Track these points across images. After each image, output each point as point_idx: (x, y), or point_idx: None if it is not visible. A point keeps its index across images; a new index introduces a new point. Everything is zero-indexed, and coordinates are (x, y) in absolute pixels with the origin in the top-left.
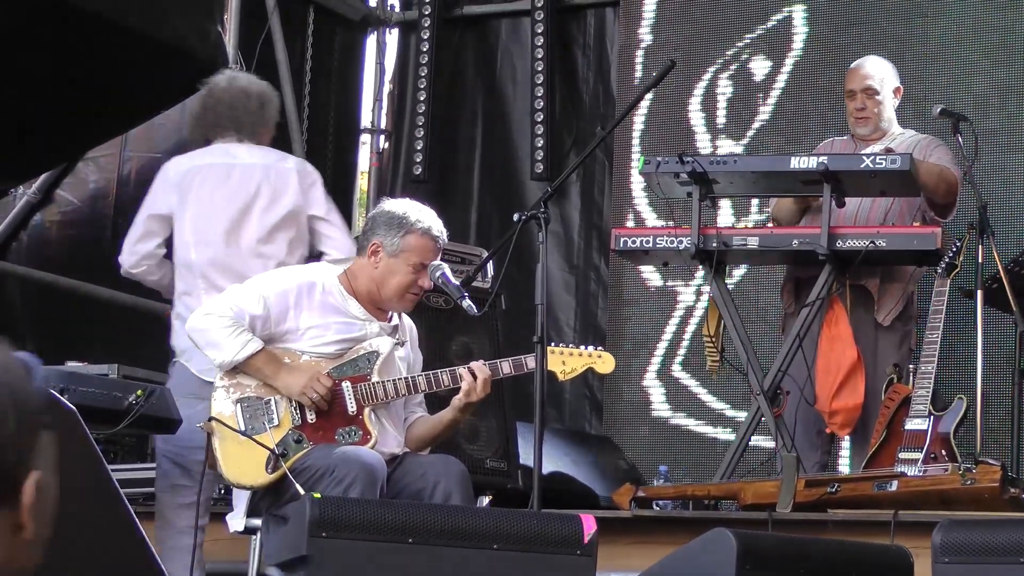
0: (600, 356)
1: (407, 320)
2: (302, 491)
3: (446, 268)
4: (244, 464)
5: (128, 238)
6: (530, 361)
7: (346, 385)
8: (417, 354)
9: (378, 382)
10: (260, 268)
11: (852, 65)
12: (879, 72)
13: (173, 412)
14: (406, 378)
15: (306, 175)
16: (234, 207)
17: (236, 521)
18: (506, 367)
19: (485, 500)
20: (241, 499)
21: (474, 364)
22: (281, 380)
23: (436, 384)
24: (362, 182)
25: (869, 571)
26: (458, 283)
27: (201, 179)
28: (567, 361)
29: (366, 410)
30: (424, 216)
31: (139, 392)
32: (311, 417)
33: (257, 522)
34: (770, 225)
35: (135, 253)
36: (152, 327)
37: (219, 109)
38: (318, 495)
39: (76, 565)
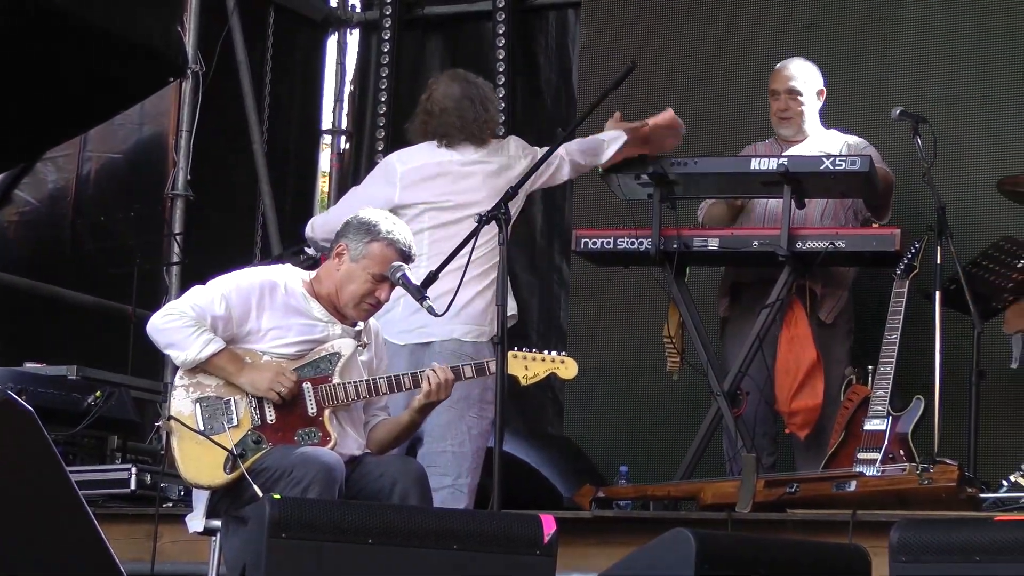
0: (563, 362)
1: (373, 324)
2: (260, 492)
3: (407, 269)
4: (202, 464)
5: (331, 213)
6: (492, 365)
7: (307, 386)
8: (382, 358)
9: (339, 384)
10: None
11: (776, 66)
12: (803, 74)
13: (132, 414)
14: (367, 380)
15: None
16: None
17: (195, 522)
18: (468, 370)
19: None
20: (200, 500)
21: (436, 366)
22: (245, 377)
23: (398, 387)
24: (323, 184)
25: (828, 570)
26: (419, 284)
27: (424, 177)
28: (530, 366)
29: (326, 412)
30: (395, 228)
31: (98, 393)
32: (271, 418)
33: (216, 523)
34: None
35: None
36: (112, 328)
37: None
38: (278, 496)
39: (35, 566)
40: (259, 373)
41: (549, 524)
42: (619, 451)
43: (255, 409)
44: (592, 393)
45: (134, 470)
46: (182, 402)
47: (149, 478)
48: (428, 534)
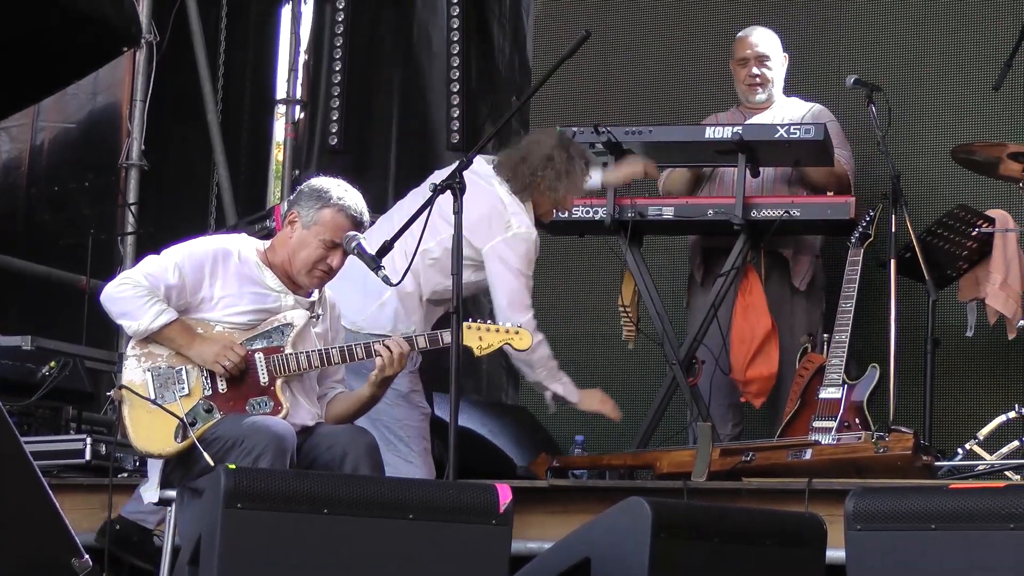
0: (517, 332)
1: (329, 295)
2: (211, 461)
3: (362, 238)
4: (153, 433)
5: None
6: (446, 336)
7: (258, 356)
8: (338, 331)
9: (291, 354)
10: None
11: (739, 34)
12: (767, 40)
13: (86, 384)
14: (319, 350)
15: None
16: None
17: (149, 492)
18: (422, 341)
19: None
20: (155, 470)
21: (390, 338)
22: (194, 349)
23: (350, 357)
24: (277, 153)
25: (783, 539)
26: (373, 253)
27: None
28: (484, 337)
29: (278, 381)
30: (346, 195)
31: (52, 364)
32: (222, 387)
33: (171, 493)
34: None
35: None
36: (66, 299)
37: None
38: (233, 466)
39: None
40: (207, 346)
41: (505, 493)
42: (575, 421)
43: (206, 378)
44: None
45: (89, 440)
46: (133, 371)
47: (104, 448)
48: (383, 504)
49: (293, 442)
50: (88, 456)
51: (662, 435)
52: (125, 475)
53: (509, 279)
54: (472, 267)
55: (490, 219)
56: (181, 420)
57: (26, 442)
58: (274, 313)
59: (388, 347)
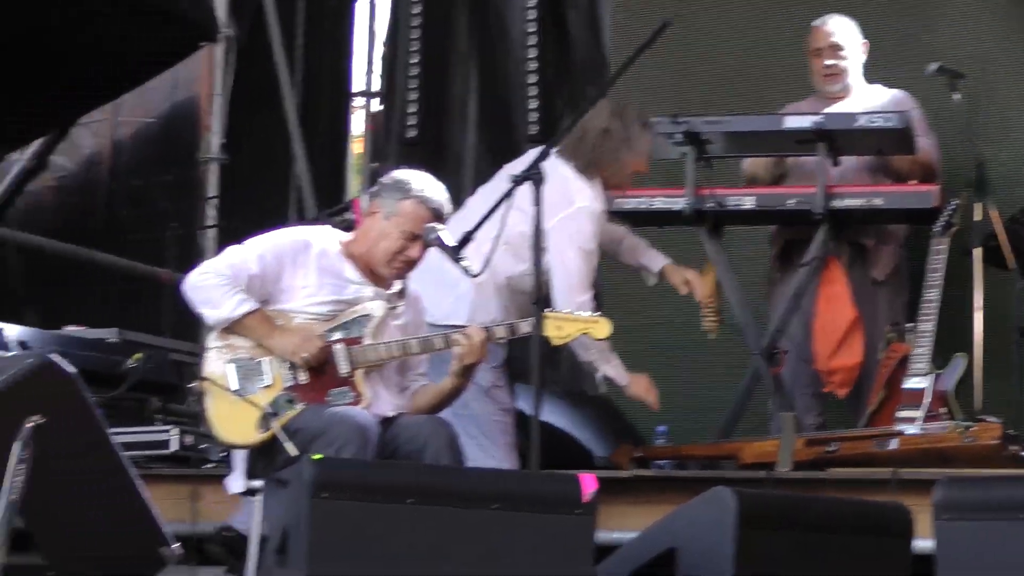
0: (596, 321)
1: (413, 291)
2: (293, 451)
3: (441, 229)
4: (236, 424)
5: None
6: (524, 325)
7: (339, 347)
8: (420, 325)
9: (371, 344)
10: None
11: (814, 24)
12: (842, 29)
13: (171, 376)
14: (398, 340)
15: None
16: None
17: (235, 482)
18: (500, 331)
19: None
20: (240, 461)
21: (468, 327)
22: (275, 340)
23: (429, 347)
24: (355, 146)
25: (869, 528)
26: (454, 244)
27: None
28: (562, 326)
29: (358, 372)
30: (427, 186)
31: (137, 356)
32: (303, 378)
33: (257, 484)
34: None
35: None
36: (149, 292)
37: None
38: (318, 456)
39: (78, 527)
40: (288, 337)
41: (589, 483)
42: (657, 411)
43: (288, 370)
44: (629, 353)
45: (176, 431)
46: (215, 363)
47: (190, 439)
48: (467, 494)
49: (375, 433)
50: (174, 447)
51: (745, 425)
52: (211, 465)
53: (570, 256)
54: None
55: (555, 198)
56: (263, 411)
57: (114, 433)
58: (353, 304)
59: (467, 335)
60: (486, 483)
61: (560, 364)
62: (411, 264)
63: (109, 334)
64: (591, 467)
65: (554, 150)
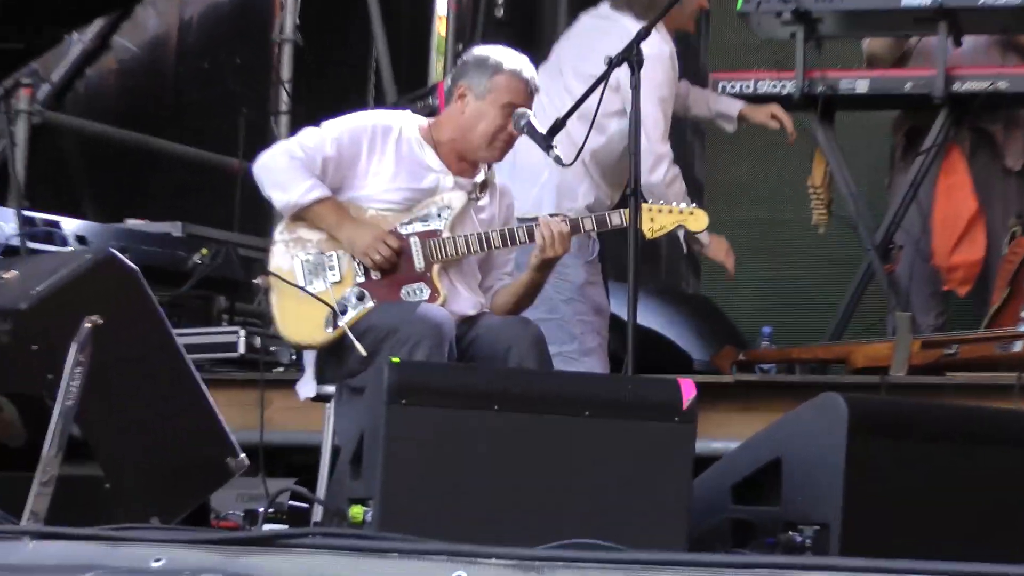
0: (692, 213)
1: (501, 184)
2: (363, 351)
3: (531, 115)
4: (302, 322)
5: None
6: (614, 217)
7: (414, 240)
8: (508, 219)
9: (449, 238)
10: None
11: None
12: None
13: (240, 273)
14: (479, 234)
15: None
16: None
17: (306, 387)
18: (588, 223)
19: None
20: (310, 363)
21: (549, 219)
22: (345, 232)
23: (511, 240)
24: (440, 27)
25: (992, 437)
26: (544, 131)
27: None
28: (655, 218)
29: (435, 267)
30: (515, 58)
31: (204, 251)
32: (375, 274)
33: (330, 389)
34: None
35: None
36: (218, 182)
37: None
38: (396, 359)
39: (142, 428)
40: (359, 231)
41: (688, 388)
42: (762, 311)
43: (359, 264)
44: (731, 248)
45: (243, 332)
46: (282, 257)
47: (258, 341)
48: (557, 400)
49: (452, 331)
50: (242, 349)
51: (857, 326)
52: (281, 370)
53: (648, 110)
54: (618, 115)
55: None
56: (331, 308)
57: (177, 334)
58: (432, 194)
59: (548, 225)
60: (576, 388)
61: (659, 261)
62: (511, 142)
63: (173, 228)
64: (690, 371)
65: (606, 3)
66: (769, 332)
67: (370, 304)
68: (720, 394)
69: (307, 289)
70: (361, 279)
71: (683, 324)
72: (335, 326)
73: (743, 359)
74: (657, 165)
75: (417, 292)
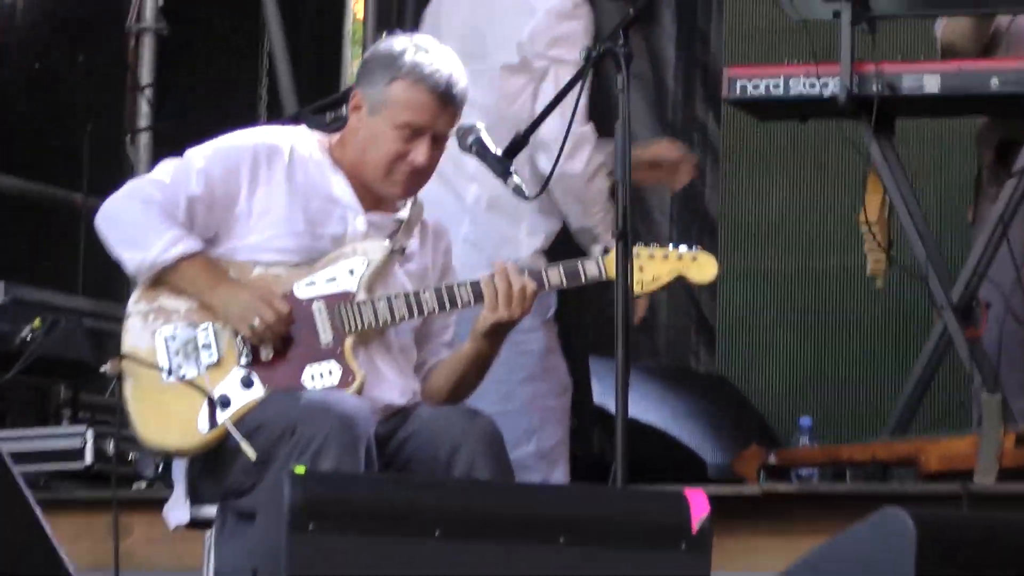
0: (695, 258)
1: (433, 220)
2: (252, 454)
3: (482, 130)
4: (168, 421)
5: None
6: (590, 267)
7: (318, 306)
8: (446, 269)
9: (365, 300)
10: None
11: None
12: None
13: (85, 351)
14: (407, 295)
15: None
16: None
17: (177, 510)
18: (555, 276)
19: None
20: (181, 477)
21: (506, 266)
22: (220, 296)
23: (451, 302)
24: (355, 7)
25: None
26: (499, 153)
27: None
28: (646, 266)
29: (348, 340)
30: (427, 57)
31: (36, 323)
32: (267, 352)
33: (208, 511)
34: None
35: None
36: (55, 225)
37: None
38: (301, 469)
39: None
40: (237, 292)
41: (700, 504)
42: (798, 396)
43: (243, 339)
44: (757, 310)
45: (90, 434)
46: (138, 334)
47: (112, 446)
48: (522, 522)
49: (368, 427)
50: (90, 457)
51: (928, 415)
52: (143, 486)
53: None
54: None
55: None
56: (208, 398)
57: (2, 438)
58: (340, 242)
59: (504, 275)
60: (548, 505)
61: (657, 328)
62: (420, 174)
63: None
64: (703, 480)
65: None
66: (809, 425)
67: (260, 393)
68: (743, 511)
69: (175, 376)
70: (247, 359)
71: (692, 416)
72: (213, 424)
73: (774, 462)
74: (578, 149)
75: (324, 375)
